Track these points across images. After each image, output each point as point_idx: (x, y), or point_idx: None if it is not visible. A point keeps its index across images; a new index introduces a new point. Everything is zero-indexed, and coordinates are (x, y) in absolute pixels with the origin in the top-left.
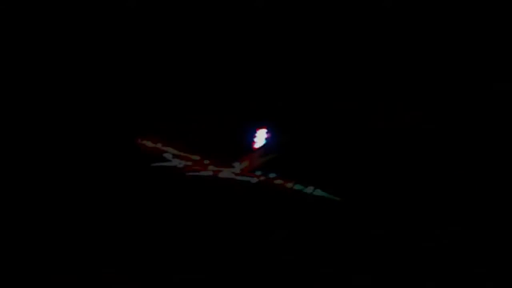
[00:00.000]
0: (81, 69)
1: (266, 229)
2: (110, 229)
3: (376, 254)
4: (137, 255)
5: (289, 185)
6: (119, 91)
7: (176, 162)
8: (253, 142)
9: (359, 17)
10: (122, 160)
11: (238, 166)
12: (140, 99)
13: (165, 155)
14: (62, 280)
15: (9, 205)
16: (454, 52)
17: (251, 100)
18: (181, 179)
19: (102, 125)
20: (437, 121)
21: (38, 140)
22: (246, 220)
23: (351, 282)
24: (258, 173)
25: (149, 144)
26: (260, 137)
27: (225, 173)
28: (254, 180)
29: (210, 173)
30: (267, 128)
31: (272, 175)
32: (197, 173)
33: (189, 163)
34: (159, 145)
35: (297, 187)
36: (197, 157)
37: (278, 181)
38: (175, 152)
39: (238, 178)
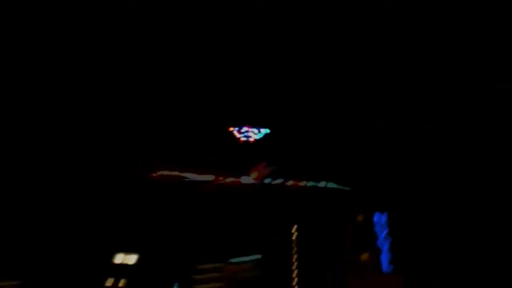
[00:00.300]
0: (81, 69)
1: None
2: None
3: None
4: None
5: (303, 183)
6: (119, 91)
7: (202, 178)
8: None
9: (359, 18)
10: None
11: (250, 177)
12: (140, 99)
13: (187, 177)
14: None
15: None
16: (454, 52)
17: (251, 100)
18: (214, 191)
19: (102, 125)
20: (437, 121)
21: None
22: (273, 218)
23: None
24: (269, 180)
25: (167, 173)
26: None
27: (247, 180)
28: (270, 184)
29: (232, 182)
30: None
31: (281, 180)
32: (223, 184)
33: (211, 178)
34: (176, 172)
35: (310, 184)
36: (211, 176)
37: (291, 182)
38: (193, 174)
39: (257, 184)
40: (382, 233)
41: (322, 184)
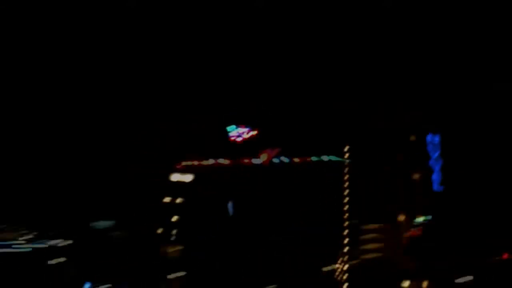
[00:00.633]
0: (82, 70)
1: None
2: None
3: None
4: None
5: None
6: (119, 91)
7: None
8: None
9: (360, 19)
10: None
11: (260, 159)
12: (140, 99)
13: (207, 164)
14: None
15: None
16: (454, 53)
17: (251, 100)
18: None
19: (102, 124)
20: (437, 121)
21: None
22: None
23: None
24: (277, 160)
25: (189, 163)
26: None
27: (258, 161)
28: (280, 163)
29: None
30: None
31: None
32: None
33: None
34: (195, 162)
35: (314, 158)
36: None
37: (297, 160)
38: (213, 161)
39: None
40: (435, 154)
41: (324, 157)
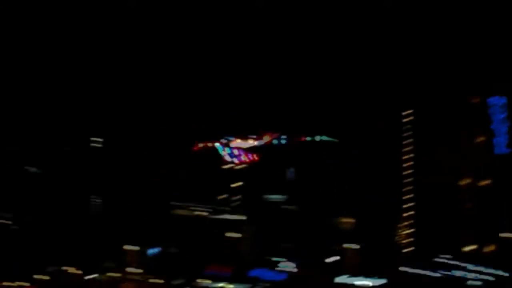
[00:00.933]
0: (82, 70)
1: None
2: None
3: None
4: None
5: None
6: (118, 92)
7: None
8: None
9: (360, 19)
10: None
11: (263, 140)
12: (140, 100)
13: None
14: None
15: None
16: (454, 53)
17: (251, 100)
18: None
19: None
20: (435, 121)
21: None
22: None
23: None
24: (276, 141)
25: (205, 145)
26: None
27: (263, 141)
28: (283, 141)
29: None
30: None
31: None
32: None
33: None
34: (209, 144)
35: (308, 138)
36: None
37: (297, 138)
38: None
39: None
40: (499, 116)
41: (317, 137)
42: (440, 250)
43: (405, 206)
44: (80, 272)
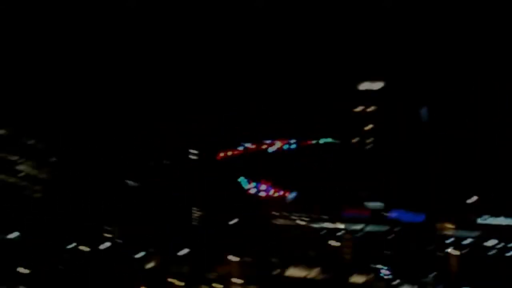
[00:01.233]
0: (82, 70)
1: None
2: None
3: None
4: None
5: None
6: (119, 92)
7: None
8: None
9: (360, 19)
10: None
11: (275, 146)
12: (140, 100)
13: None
14: None
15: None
16: (454, 53)
17: (252, 100)
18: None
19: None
20: (438, 121)
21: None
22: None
23: None
24: (286, 147)
25: (224, 155)
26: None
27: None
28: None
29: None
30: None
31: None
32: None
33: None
34: (228, 153)
35: (315, 142)
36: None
37: (305, 143)
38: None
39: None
40: None
41: (322, 140)
42: None
43: None
44: (182, 284)
